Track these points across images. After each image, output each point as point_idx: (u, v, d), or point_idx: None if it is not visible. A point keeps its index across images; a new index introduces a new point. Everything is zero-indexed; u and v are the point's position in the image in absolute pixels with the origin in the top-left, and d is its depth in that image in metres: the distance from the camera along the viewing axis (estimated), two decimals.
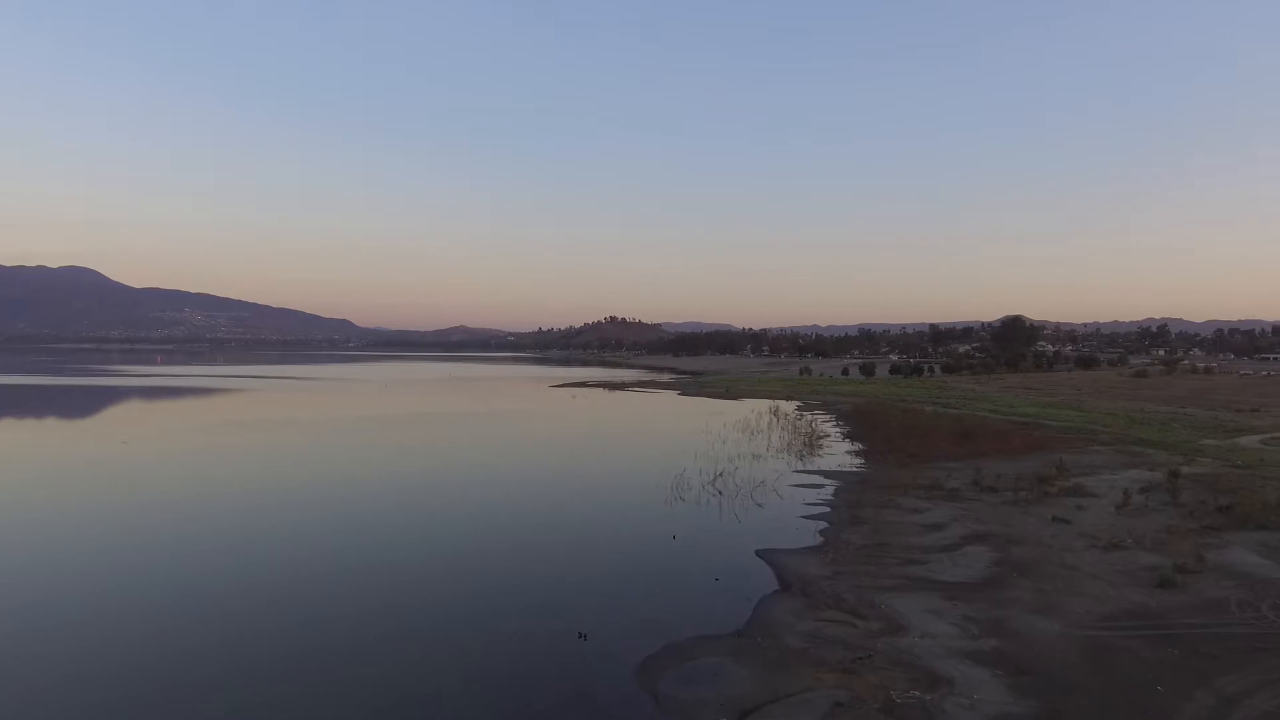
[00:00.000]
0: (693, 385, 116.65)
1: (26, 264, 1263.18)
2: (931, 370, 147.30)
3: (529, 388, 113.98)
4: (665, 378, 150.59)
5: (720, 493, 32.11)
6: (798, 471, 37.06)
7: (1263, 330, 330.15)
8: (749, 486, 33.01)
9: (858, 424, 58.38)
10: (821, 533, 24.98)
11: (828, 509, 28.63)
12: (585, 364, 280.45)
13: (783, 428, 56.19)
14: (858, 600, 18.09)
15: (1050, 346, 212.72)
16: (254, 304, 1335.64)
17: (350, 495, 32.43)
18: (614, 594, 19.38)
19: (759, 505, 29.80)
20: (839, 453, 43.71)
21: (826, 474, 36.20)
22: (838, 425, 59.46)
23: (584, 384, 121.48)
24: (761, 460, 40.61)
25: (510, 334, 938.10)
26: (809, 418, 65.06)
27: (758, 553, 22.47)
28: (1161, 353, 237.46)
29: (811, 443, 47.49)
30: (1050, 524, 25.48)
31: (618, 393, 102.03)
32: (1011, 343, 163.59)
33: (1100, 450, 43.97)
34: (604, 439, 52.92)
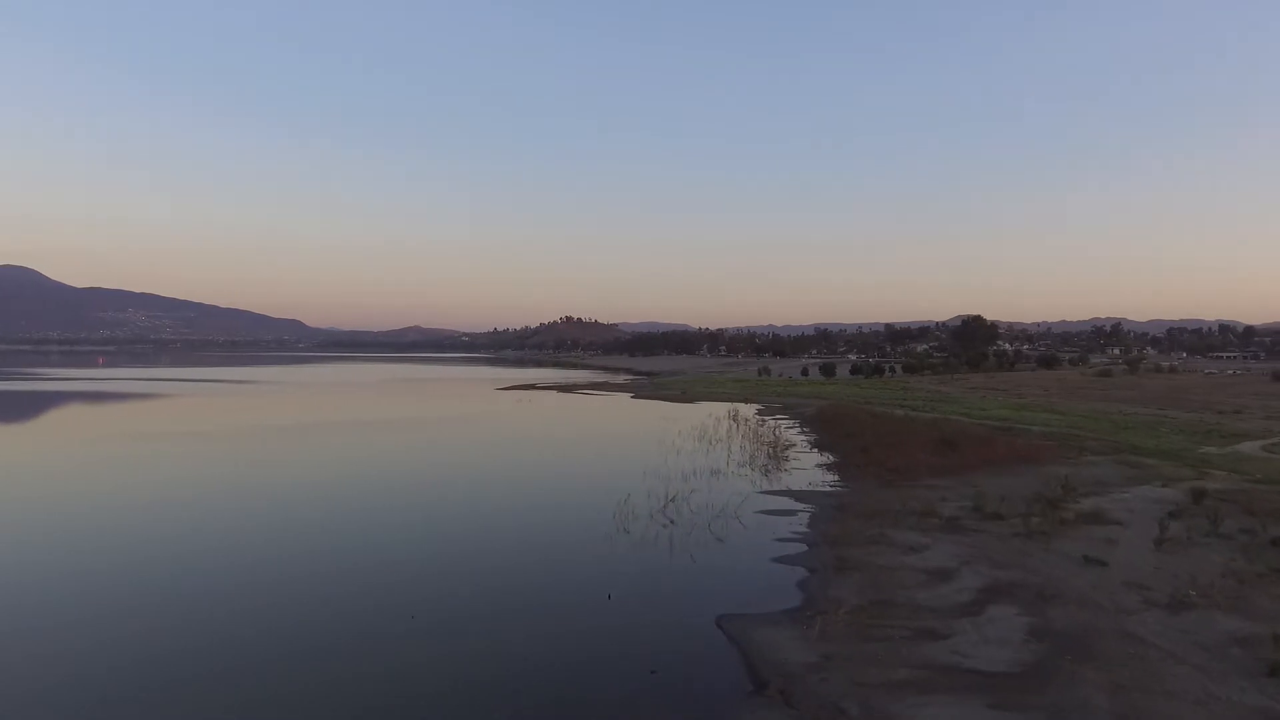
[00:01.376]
0: (647, 387, 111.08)
1: None
2: (893, 370, 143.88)
3: (473, 391, 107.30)
4: (619, 379, 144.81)
5: (672, 522, 26.45)
6: (764, 493, 31.52)
7: (1209, 329, 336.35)
8: (707, 514, 27.35)
9: (826, 430, 53.25)
10: (801, 584, 19.42)
11: (804, 546, 23.09)
12: (540, 365, 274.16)
13: (744, 436, 50.82)
14: (865, 715, 12.48)
15: (1008, 346, 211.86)
16: (201, 304, 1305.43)
17: (183, 541, 25.96)
18: (510, 714, 13.28)
19: (719, 541, 24.17)
20: (809, 466, 38.31)
21: (798, 495, 30.71)
22: (804, 432, 54.28)
23: (533, 386, 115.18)
24: (721, 478, 35.01)
25: (465, 334, 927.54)
26: (772, 423, 59.83)
27: (719, 621, 16.75)
28: (1116, 351, 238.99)
29: (777, 454, 42.08)
30: (1083, 567, 20.26)
31: (567, 396, 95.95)
32: (971, 342, 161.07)
33: (1096, 461, 39.30)
34: (544, 452, 46.45)
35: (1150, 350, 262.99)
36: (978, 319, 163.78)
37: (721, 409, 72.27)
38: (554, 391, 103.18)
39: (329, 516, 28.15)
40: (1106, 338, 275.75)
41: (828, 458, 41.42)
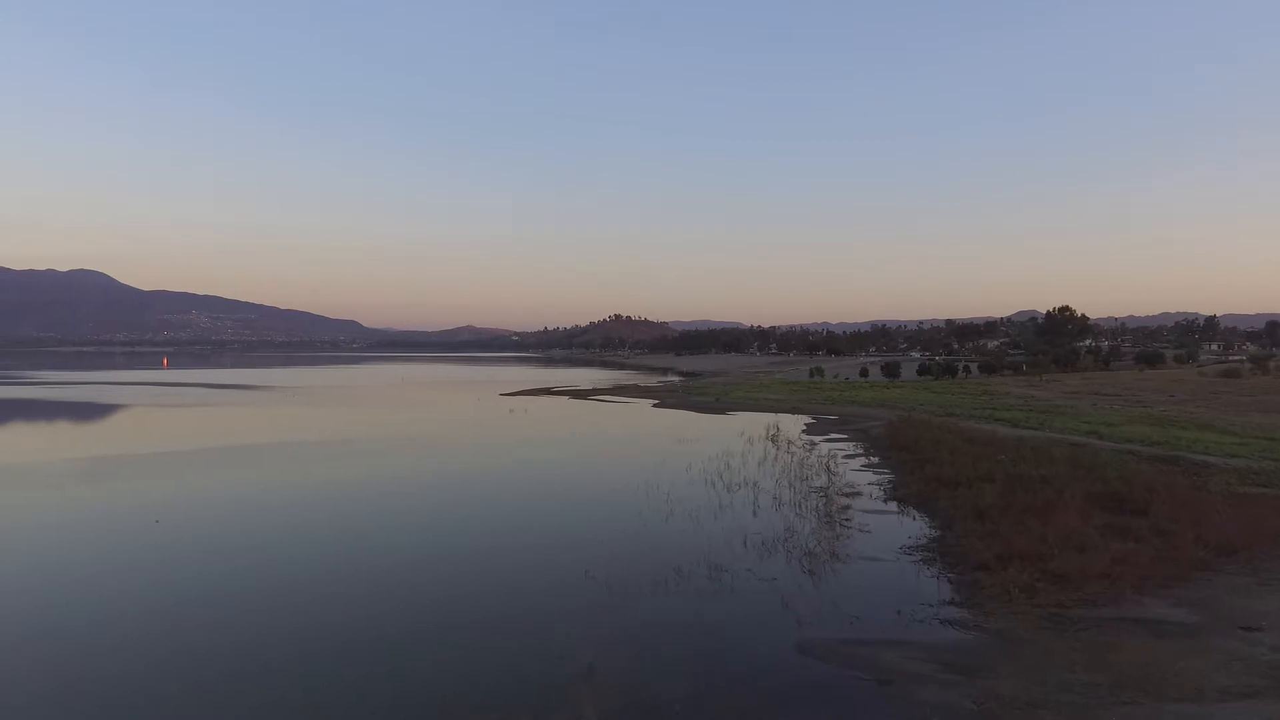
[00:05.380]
0: (677, 392, 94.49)
1: (37, 268, 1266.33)
2: (967, 370, 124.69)
3: (474, 395, 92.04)
4: (652, 381, 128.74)
5: None
6: (805, 653, 14.93)
7: None
8: None
9: (905, 465, 36.25)
10: None
11: None
12: (586, 364, 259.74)
13: (782, 473, 34.30)
14: None
15: (1102, 342, 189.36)
16: (261, 305, 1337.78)
17: None
18: None
19: None
20: (890, 553, 21.52)
21: (881, 671, 14.09)
22: (871, 466, 37.42)
23: (548, 390, 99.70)
24: (726, 587, 18.58)
25: (515, 334, 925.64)
26: (824, 448, 43.12)
27: None
28: (1215, 347, 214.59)
29: (832, 518, 25.51)
30: None
31: (577, 403, 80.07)
32: (1059, 337, 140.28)
33: None
34: (461, 518, 27.34)
35: (1249, 345, 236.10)
36: (1065, 310, 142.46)
37: (760, 422, 55.81)
38: (566, 397, 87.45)
39: None
40: (1201, 332, 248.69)
41: (918, 526, 24.66)
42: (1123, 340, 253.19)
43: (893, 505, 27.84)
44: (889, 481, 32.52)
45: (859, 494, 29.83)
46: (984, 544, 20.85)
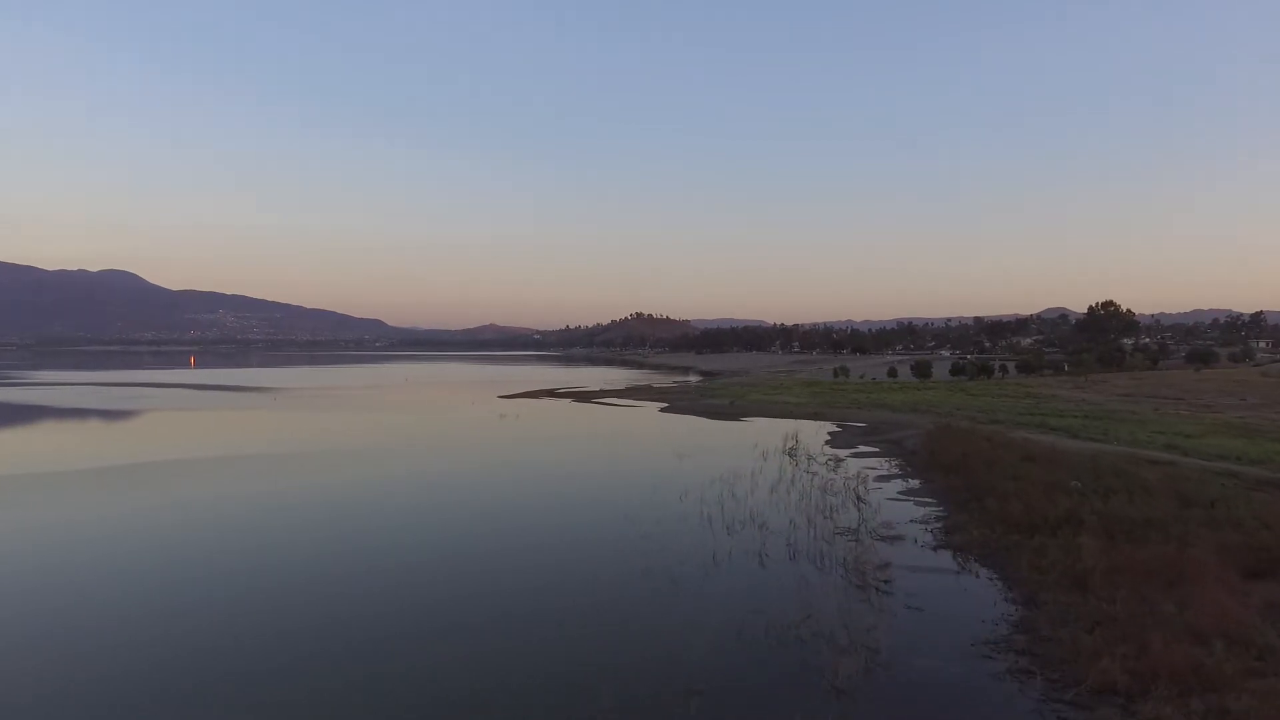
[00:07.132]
0: (690, 394, 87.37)
1: (69, 268, 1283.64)
2: (1004, 369, 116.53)
3: (467, 399, 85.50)
4: (668, 381, 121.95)
5: None
6: None
7: None
8: None
9: (955, 494, 29.00)
10: None
11: None
12: (605, 363, 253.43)
13: (799, 504, 27.31)
14: None
15: (1148, 339, 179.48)
16: (287, 305, 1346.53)
17: None
18: None
19: None
20: (954, 653, 14.45)
21: None
22: (911, 493, 30.23)
23: (552, 392, 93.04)
24: None
25: (537, 332, 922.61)
26: (851, 466, 36.00)
27: None
28: (1264, 344, 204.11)
29: (865, 581, 18.52)
30: None
31: (580, 407, 73.33)
32: (1102, 335, 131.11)
33: None
34: (342, 597, 19.64)
35: None
36: (1109, 305, 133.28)
37: (776, 431, 48.81)
38: (568, 400, 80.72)
39: None
40: (1247, 329, 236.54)
41: (990, 598, 17.52)
42: (1164, 337, 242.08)
43: (947, 558, 20.75)
44: (937, 518, 25.40)
45: (900, 537, 22.79)
46: (1103, 644, 13.75)
